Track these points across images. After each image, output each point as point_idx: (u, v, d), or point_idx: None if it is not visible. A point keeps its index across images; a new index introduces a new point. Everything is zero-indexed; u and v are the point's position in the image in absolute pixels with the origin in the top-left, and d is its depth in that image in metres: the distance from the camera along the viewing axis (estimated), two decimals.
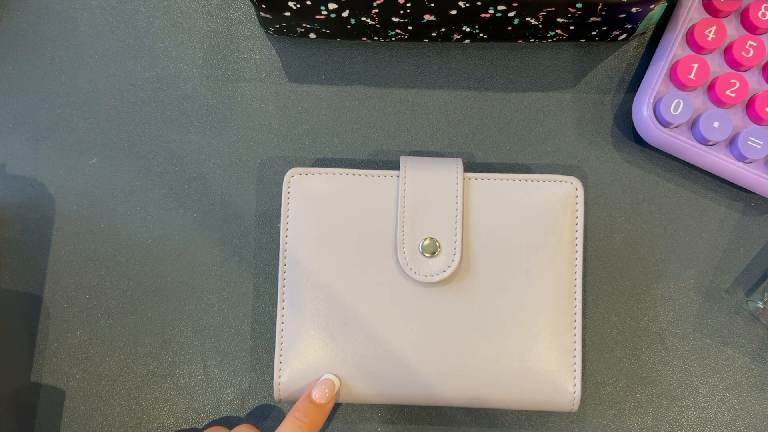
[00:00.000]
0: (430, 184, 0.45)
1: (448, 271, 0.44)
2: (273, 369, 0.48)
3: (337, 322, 0.44)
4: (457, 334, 0.44)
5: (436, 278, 0.44)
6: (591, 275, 0.48)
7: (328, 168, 0.46)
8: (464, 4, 0.42)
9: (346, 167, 0.48)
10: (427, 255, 0.44)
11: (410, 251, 0.44)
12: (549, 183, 0.45)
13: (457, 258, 0.44)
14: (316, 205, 0.45)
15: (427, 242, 0.44)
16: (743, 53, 0.45)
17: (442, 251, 0.44)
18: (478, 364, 0.44)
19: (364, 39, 0.48)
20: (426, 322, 0.44)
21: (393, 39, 0.47)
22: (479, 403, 0.44)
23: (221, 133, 0.49)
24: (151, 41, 0.49)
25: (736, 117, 0.46)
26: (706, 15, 0.46)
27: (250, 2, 0.49)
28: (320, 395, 0.44)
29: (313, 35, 0.47)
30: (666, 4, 0.44)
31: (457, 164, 0.45)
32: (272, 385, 0.48)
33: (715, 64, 0.46)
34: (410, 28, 0.45)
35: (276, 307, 0.48)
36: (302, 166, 0.47)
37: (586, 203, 0.48)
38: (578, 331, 0.45)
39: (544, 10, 0.43)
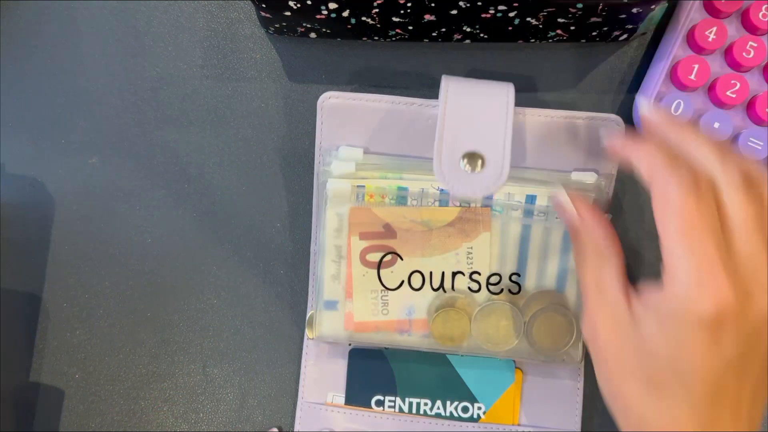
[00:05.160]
0: (475, 105, 0.41)
1: (493, 189, 0.40)
2: (272, 369, 0.48)
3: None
4: None
5: (479, 194, 0.40)
6: None
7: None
8: (465, 4, 0.42)
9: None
10: (469, 169, 0.40)
11: (449, 164, 0.39)
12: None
13: (504, 174, 0.39)
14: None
15: (469, 156, 0.40)
16: (744, 54, 0.45)
17: (487, 165, 0.39)
18: None
19: (365, 39, 0.48)
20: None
21: (393, 39, 0.47)
22: None
23: (221, 133, 0.49)
24: (151, 41, 0.49)
25: (737, 118, 0.46)
26: (706, 15, 0.46)
27: (250, 2, 0.49)
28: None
29: (313, 35, 0.47)
30: (667, 4, 0.44)
31: (508, 88, 0.42)
32: (272, 385, 0.48)
33: (716, 65, 0.46)
34: (411, 28, 0.45)
35: (276, 307, 0.48)
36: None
37: None
38: None
39: (545, 10, 0.43)
